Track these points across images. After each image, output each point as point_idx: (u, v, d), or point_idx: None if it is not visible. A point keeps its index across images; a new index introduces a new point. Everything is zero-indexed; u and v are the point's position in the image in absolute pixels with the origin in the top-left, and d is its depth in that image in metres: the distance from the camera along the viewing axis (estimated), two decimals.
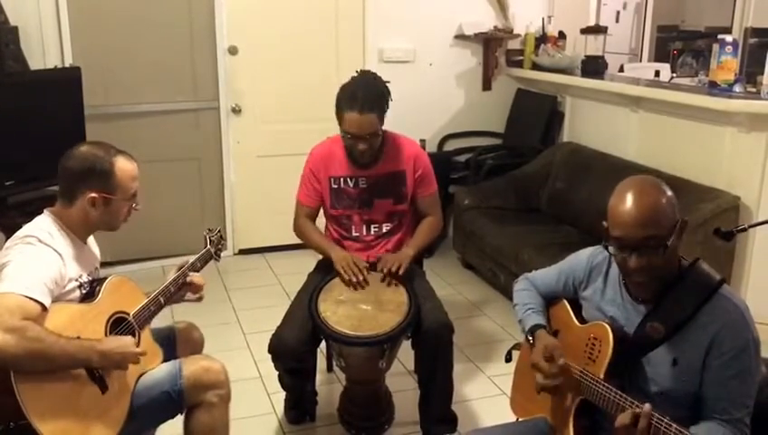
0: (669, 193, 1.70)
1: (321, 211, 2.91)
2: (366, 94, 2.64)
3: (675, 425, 1.50)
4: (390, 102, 2.74)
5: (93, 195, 2.03)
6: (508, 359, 2.28)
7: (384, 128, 2.76)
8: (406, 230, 2.89)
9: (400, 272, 2.65)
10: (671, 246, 1.67)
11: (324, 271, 2.80)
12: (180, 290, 2.34)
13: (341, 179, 2.82)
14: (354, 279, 2.62)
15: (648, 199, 1.66)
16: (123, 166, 2.09)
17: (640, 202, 1.66)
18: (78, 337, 1.87)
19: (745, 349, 1.64)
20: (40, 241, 1.94)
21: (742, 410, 1.65)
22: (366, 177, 2.80)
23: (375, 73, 2.80)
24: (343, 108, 2.65)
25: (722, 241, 2.38)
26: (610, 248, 1.73)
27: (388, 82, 2.78)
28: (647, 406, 1.54)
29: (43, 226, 2.01)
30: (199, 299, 2.41)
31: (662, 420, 1.52)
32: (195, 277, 2.37)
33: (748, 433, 1.65)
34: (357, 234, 2.85)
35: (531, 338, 1.99)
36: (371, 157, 2.77)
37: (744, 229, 2.44)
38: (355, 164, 2.80)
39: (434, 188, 2.91)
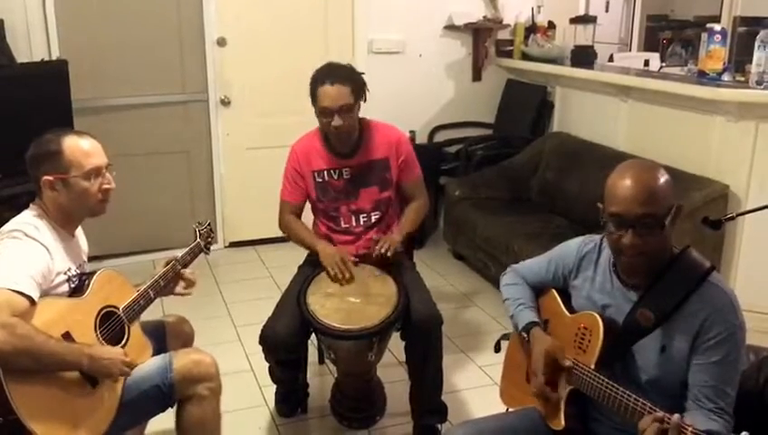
0: (667, 176, 1.72)
1: (309, 206, 2.89)
2: (337, 69, 2.69)
3: (691, 428, 1.47)
4: (368, 91, 2.75)
5: (48, 178, 2.00)
6: (497, 349, 2.29)
7: (364, 116, 2.80)
8: (392, 218, 2.88)
9: (389, 253, 2.65)
10: (667, 228, 1.68)
11: (314, 263, 2.79)
12: (171, 283, 2.33)
13: (325, 172, 2.80)
14: (340, 276, 2.60)
15: (647, 177, 1.69)
16: (72, 143, 2.03)
17: (640, 179, 1.68)
18: (67, 332, 1.87)
19: (731, 335, 1.65)
20: (26, 235, 1.92)
21: (725, 398, 1.66)
22: (349, 167, 2.79)
23: (350, 64, 2.81)
24: (316, 85, 2.66)
25: (710, 230, 2.40)
26: (608, 226, 1.73)
27: (363, 73, 2.78)
28: (675, 416, 1.50)
29: (29, 219, 1.99)
30: (188, 292, 2.40)
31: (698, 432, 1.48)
32: (187, 274, 2.36)
33: (731, 422, 1.66)
34: (346, 225, 2.83)
35: (526, 336, 1.99)
36: (349, 140, 2.75)
37: (733, 218, 2.46)
38: (336, 155, 2.79)
39: (418, 171, 2.90)
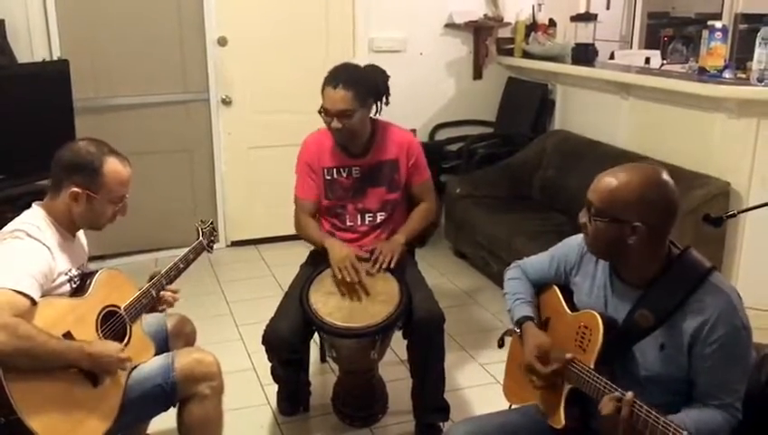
0: (652, 196, 1.67)
1: None
2: (347, 73, 2.68)
3: (654, 411, 1.50)
4: (383, 95, 2.76)
5: (76, 190, 2.01)
6: (500, 344, 2.29)
7: (378, 117, 2.81)
8: (398, 220, 2.88)
9: (392, 265, 2.66)
10: (599, 226, 1.70)
11: (316, 262, 2.79)
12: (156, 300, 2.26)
13: (334, 170, 2.80)
14: (348, 280, 2.57)
15: (620, 177, 1.70)
16: (113, 167, 2.06)
17: (611, 174, 1.72)
18: (68, 332, 1.88)
19: (734, 336, 1.65)
20: (28, 235, 1.93)
21: (732, 395, 1.66)
22: (359, 166, 2.79)
23: (374, 65, 2.82)
24: (324, 83, 2.67)
25: (712, 227, 2.39)
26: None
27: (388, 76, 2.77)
28: (629, 394, 1.54)
29: (32, 220, 2.00)
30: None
31: (642, 407, 1.52)
32: (167, 294, 2.29)
33: (739, 417, 1.66)
34: (351, 223, 2.83)
35: (518, 330, 2.00)
36: (356, 140, 2.75)
37: (734, 215, 2.45)
38: (347, 154, 2.79)
39: (427, 174, 2.91)
